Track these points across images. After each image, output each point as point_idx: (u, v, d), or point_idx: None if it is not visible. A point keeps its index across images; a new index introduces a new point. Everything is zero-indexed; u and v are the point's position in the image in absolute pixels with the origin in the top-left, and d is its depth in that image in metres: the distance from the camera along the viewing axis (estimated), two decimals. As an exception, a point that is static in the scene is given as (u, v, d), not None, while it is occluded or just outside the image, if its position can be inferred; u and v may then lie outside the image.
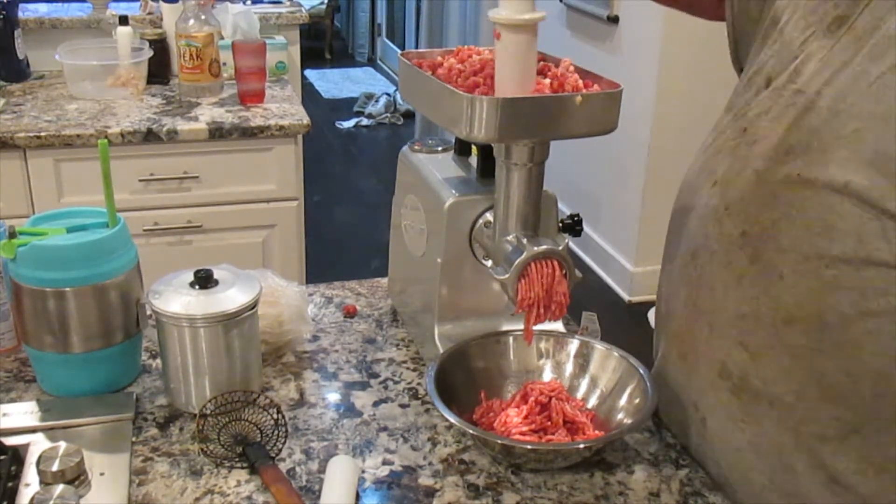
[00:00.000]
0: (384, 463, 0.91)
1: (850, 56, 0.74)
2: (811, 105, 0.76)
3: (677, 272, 0.92)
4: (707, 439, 0.90)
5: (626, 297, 3.37)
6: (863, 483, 0.77)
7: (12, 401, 1.00)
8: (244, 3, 2.77)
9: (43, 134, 2.04)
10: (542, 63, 0.92)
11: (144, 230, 2.15)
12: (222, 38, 2.39)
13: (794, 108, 0.77)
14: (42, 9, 2.69)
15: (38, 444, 0.89)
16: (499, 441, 0.88)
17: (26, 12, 2.60)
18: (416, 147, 1.13)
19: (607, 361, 0.99)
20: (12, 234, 0.95)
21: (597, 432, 0.93)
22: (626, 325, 3.16)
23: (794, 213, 0.76)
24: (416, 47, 5.43)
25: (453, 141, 1.11)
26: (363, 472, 0.89)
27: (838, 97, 0.74)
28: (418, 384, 1.06)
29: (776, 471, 0.83)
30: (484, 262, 1.00)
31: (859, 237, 0.72)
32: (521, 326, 0.93)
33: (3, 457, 0.86)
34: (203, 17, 2.29)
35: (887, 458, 0.75)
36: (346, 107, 5.97)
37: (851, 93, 0.73)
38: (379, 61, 7.37)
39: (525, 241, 0.90)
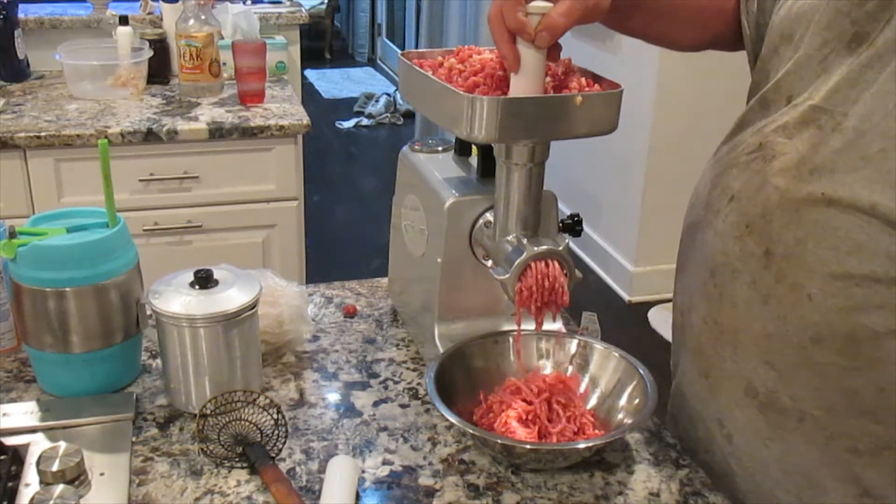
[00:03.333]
0: (384, 463, 0.91)
1: (874, 75, 0.73)
2: (837, 126, 0.75)
3: (695, 287, 0.91)
4: (734, 456, 0.89)
5: (626, 297, 3.37)
6: (895, 494, 0.77)
7: (12, 401, 1.00)
8: (244, 3, 2.77)
9: (43, 134, 2.04)
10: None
11: (144, 230, 2.15)
12: (222, 38, 2.39)
13: (818, 127, 0.77)
14: (42, 9, 2.69)
15: (38, 444, 0.89)
16: (499, 441, 0.88)
17: (26, 12, 2.60)
18: (416, 147, 1.13)
19: (607, 361, 0.99)
20: (12, 234, 0.95)
21: (597, 432, 0.93)
22: (626, 325, 3.15)
23: (820, 232, 0.75)
24: (416, 47, 5.43)
25: (453, 141, 1.11)
26: (363, 472, 0.89)
27: (864, 117, 0.73)
28: (418, 384, 1.06)
29: (803, 488, 0.82)
30: (484, 262, 1.00)
31: (890, 257, 0.72)
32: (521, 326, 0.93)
33: (3, 457, 0.86)
34: (203, 17, 2.29)
35: None
36: (346, 107, 5.97)
37: (876, 112, 0.73)
38: (379, 61, 7.37)
39: (525, 241, 0.90)
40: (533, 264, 0.89)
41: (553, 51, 0.83)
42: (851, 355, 0.75)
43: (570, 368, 1.00)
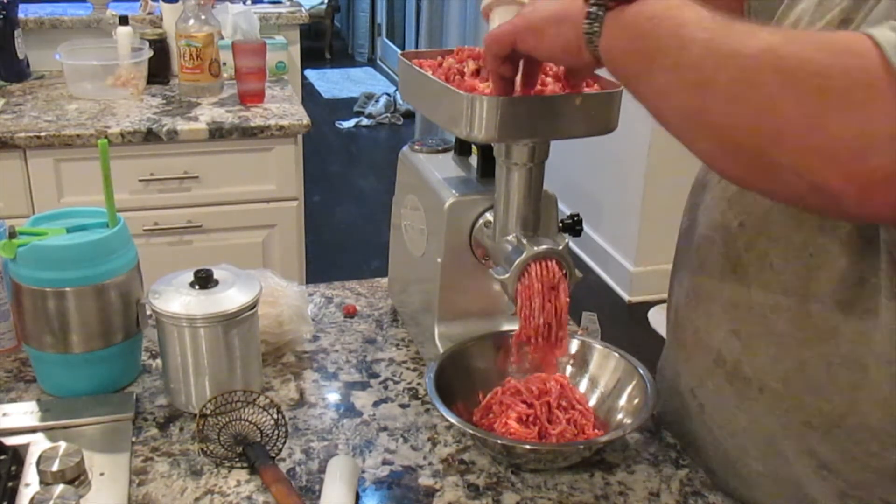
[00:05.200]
0: (384, 463, 0.91)
1: None
2: None
3: (685, 267, 0.94)
4: (705, 425, 0.92)
5: (626, 297, 3.37)
6: (849, 471, 0.79)
7: (12, 401, 1.00)
8: (244, 3, 2.77)
9: (43, 134, 2.04)
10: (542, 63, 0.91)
11: (144, 230, 2.15)
12: (222, 38, 2.39)
13: None
14: (42, 9, 2.68)
15: (38, 444, 0.89)
16: (499, 441, 0.88)
17: (26, 12, 2.60)
18: (416, 147, 1.13)
19: (607, 361, 0.99)
20: (12, 234, 0.95)
21: (597, 431, 0.93)
22: (626, 325, 3.15)
23: (784, 204, 0.78)
24: (416, 47, 5.43)
25: (453, 141, 1.11)
26: (363, 472, 0.89)
27: None
28: (418, 384, 1.06)
29: (768, 457, 0.85)
30: (484, 262, 1.00)
31: (845, 227, 0.74)
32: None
33: (3, 457, 0.86)
34: (203, 17, 2.29)
35: (869, 452, 0.77)
36: (346, 107, 5.97)
37: None
38: (379, 61, 7.37)
39: (525, 241, 0.90)
40: (532, 265, 0.89)
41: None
42: (803, 326, 0.78)
43: (570, 368, 1.00)
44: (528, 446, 0.88)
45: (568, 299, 0.90)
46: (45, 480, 0.81)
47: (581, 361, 1.00)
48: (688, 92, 0.66)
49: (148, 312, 1.00)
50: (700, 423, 0.92)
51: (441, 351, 0.99)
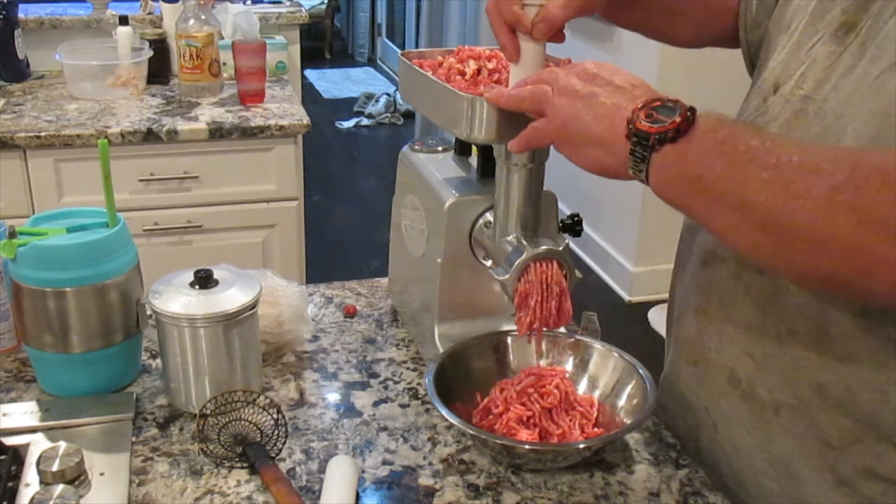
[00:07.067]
0: (384, 463, 0.91)
1: (855, 61, 0.74)
2: (819, 111, 0.76)
3: (689, 280, 0.93)
4: (719, 444, 0.90)
5: (626, 297, 3.36)
6: (868, 486, 0.77)
7: (12, 401, 1.00)
8: (244, 3, 2.77)
9: (43, 134, 2.04)
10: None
11: (144, 230, 2.15)
12: (222, 38, 2.39)
13: (804, 115, 0.77)
14: (42, 9, 2.68)
15: (38, 444, 0.89)
16: (499, 441, 0.88)
17: (26, 12, 2.60)
18: (416, 147, 1.13)
19: (607, 361, 0.99)
20: (12, 234, 0.95)
21: (597, 431, 0.93)
22: (626, 325, 3.15)
23: None
24: (416, 47, 5.42)
25: (453, 141, 1.11)
26: (363, 472, 0.89)
27: (842, 101, 0.74)
28: (418, 384, 1.06)
29: (783, 476, 0.83)
30: (484, 262, 1.00)
31: None
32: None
33: (3, 457, 0.86)
34: (203, 17, 2.29)
35: (890, 466, 0.76)
36: (346, 107, 5.96)
37: (854, 95, 0.73)
38: (379, 61, 7.37)
39: (525, 241, 0.90)
40: (532, 266, 0.89)
41: (556, 37, 0.83)
42: (823, 350, 0.76)
43: (570, 368, 1.00)
44: (528, 446, 0.88)
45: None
46: (45, 480, 0.81)
47: (580, 361, 1.00)
48: (759, 233, 0.66)
49: (148, 312, 1.00)
50: (714, 441, 0.91)
51: (441, 351, 0.99)
